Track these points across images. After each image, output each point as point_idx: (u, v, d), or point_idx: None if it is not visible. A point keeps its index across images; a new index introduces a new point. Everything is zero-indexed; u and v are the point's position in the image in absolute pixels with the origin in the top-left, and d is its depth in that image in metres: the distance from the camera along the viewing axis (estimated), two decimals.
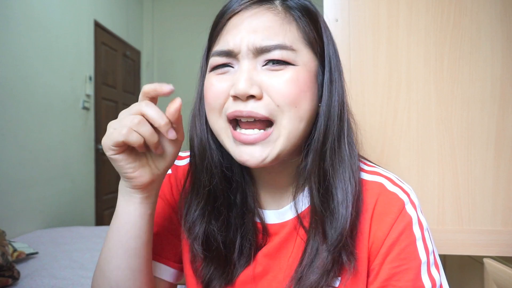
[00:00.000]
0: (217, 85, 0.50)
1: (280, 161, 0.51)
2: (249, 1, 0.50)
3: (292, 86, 0.48)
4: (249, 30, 0.48)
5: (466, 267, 1.21)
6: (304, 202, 0.55)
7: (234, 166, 0.56)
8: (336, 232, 0.49)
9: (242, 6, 0.50)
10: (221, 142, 0.52)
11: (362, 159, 0.59)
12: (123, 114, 0.47)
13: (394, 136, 0.89)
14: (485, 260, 0.86)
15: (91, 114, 3.21)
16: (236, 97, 0.48)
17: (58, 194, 2.72)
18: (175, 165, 0.64)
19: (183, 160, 0.64)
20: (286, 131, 0.48)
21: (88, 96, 3.13)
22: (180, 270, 0.62)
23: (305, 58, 0.50)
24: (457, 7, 0.87)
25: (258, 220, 0.56)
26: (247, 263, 0.55)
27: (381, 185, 0.54)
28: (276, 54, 0.48)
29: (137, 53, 4.24)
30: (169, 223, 0.61)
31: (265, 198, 0.58)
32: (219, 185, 0.54)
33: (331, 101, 0.52)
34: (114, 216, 0.52)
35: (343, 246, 0.49)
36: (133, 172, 0.48)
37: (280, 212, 0.56)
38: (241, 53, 0.49)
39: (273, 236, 0.56)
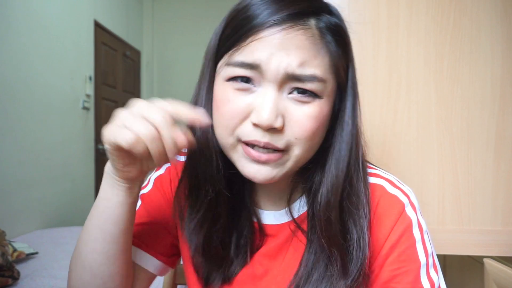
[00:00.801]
0: (236, 103, 0.46)
1: None
2: (281, 16, 0.44)
3: (314, 122, 0.46)
4: (283, 50, 0.44)
5: (466, 267, 1.21)
6: (301, 208, 0.55)
7: (208, 172, 0.52)
8: (356, 267, 0.48)
9: (273, 20, 0.44)
10: (226, 153, 0.50)
11: None
12: (138, 112, 0.42)
13: (394, 136, 0.89)
14: (485, 260, 0.86)
15: (91, 114, 3.21)
16: (256, 125, 0.45)
17: (58, 194, 2.72)
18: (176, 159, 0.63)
19: (184, 156, 0.64)
20: (297, 158, 0.47)
21: (88, 96, 3.13)
22: (166, 263, 0.61)
23: (329, 88, 0.48)
24: (457, 7, 0.87)
25: (254, 220, 0.56)
26: (244, 261, 0.55)
27: (381, 187, 0.54)
28: (307, 86, 0.45)
29: (137, 53, 4.24)
30: (162, 217, 0.60)
31: (263, 198, 0.57)
32: (221, 191, 0.52)
33: (353, 127, 0.50)
34: (96, 199, 0.51)
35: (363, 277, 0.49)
36: (123, 167, 0.46)
37: (279, 213, 0.56)
38: (269, 75, 0.44)
39: (271, 237, 0.56)
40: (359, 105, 0.52)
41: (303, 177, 0.53)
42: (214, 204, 0.53)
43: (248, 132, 0.46)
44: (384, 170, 0.58)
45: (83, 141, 3.09)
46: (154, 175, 0.63)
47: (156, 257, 0.60)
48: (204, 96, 0.52)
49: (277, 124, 0.44)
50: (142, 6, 4.41)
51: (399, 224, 0.51)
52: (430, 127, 0.88)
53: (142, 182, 0.52)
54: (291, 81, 0.45)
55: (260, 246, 0.56)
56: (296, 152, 0.47)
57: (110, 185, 0.49)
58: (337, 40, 0.48)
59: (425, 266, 0.50)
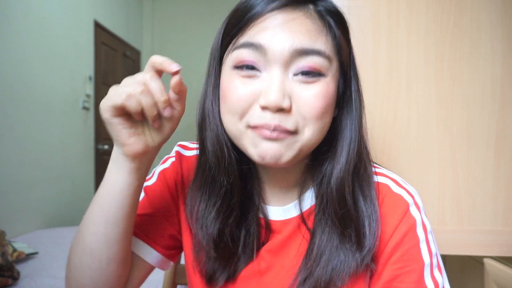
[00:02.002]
0: (242, 90, 0.47)
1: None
2: (283, 2, 0.47)
3: (322, 100, 0.47)
4: (286, 30, 0.46)
5: (466, 267, 1.21)
6: (308, 201, 0.55)
7: (221, 163, 0.53)
8: (372, 239, 0.49)
9: (273, 5, 0.47)
10: (235, 141, 0.51)
11: None
12: (127, 80, 0.46)
13: (394, 136, 0.89)
14: (485, 260, 0.86)
15: (91, 114, 3.21)
16: (265, 107, 0.46)
17: (58, 194, 2.72)
18: (181, 153, 0.63)
19: (190, 151, 0.63)
20: (306, 140, 0.48)
21: (88, 96, 3.13)
22: (166, 256, 0.61)
23: (334, 68, 0.49)
24: (457, 7, 0.87)
25: (261, 216, 0.57)
26: (250, 258, 0.55)
27: (386, 186, 0.54)
28: (313, 61, 0.46)
29: (137, 53, 4.24)
30: (165, 209, 0.61)
31: (269, 194, 0.58)
32: (237, 183, 0.53)
33: (360, 109, 0.52)
34: (102, 183, 0.51)
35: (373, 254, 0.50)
36: (127, 138, 0.47)
37: (284, 209, 0.57)
38: (274, 55, 0.45)
39: (276, 232, 0.56)
40: (361, 97, 0.54)
41: (313, 171, 0.54)
42: (229, 196, 0.53)
43: (258, 116, 0.46)
44: (389, 170, 0.58)
45: (83, 141, 3.09)
46: (158, 169, 0.64)
47: (156, 249, 0.60)
48: (211, 92, 0.53)
49: (285, 104, 0.45)
50: (142, 6, 4.41)
51: (403, 224, 0.52)
52: (430, 127, 0.88)
53: (149, 165, 0.52)
54: (297, 59, 0.46)
55: (265, 242, 0.56)
56: (307, 134, 0.47)
57: (117, 168, 0.50)
58: (336, 22, 0.50)
59: (429, 266, 0.50)
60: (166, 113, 0.46)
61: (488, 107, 0.87)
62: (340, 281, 0.49)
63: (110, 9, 3.60)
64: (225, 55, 0.50)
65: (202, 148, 0.54)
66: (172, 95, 0.47)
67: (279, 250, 0.56)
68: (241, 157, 0.53)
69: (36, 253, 1.85)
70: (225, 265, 0.55)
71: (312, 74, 0.46)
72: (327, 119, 0.49)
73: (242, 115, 0.48)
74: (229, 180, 0.52)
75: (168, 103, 0.46)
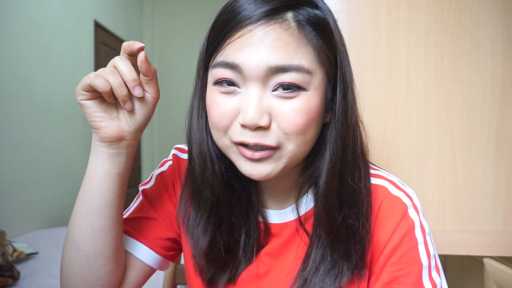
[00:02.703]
0: (223, 106, 0.46)
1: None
2: (256, 14, 0.45)
3: (302, 115, 0.45)
4: (261, 46, 0.44)
5: (466, 267, 1.21)
6: (307, 204, 0.55)
7: (207, 176, 0.53)
8: (359, 250, 0.49)
9: (248, 19, 0.45)
10: (225, 153, 0.51)
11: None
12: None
13: (394, 136, 0.89)
14: (485, 260, 0.86)
15: None
16: (243, 126, 0.45)
17: (58, 194, 2.72)
18: (178, 157, 0.63)
19: (187, 154, 0.64)
20: (292, 153, 0.47)
21: None
22: (165, 257, 0.61)
23: (317, 80, 0.47)
24: (457, 6, 0.87)
25: (260, 219, 0.57)
26: (250, 261, 0.55)
27: (384, 188, 0.54)
28: (292, 77, 0.44)
29: None
30: (165, 212, 0.61)
31: (267, 197, 0.58)
32: (221, 195, 0.52)
33: (346, 119, 0.50)
34: (84, 176, 0.52)
35: (363, 262, 0.50)
36: (100, 122, 0.48)
37: (283, 212, 0.57)
38: (250, 73, 0.44)
39: (275, 236, 0.56)
40: (356, 97, 0.51)
41: (307, 173, 0.53)
42: (215, 209, 0.53)
43: (238, 133, 0.46)
44: (387, 172, 0.58)
45: (83, 141, 3.09)
46: (156, 172, 0.64)
47: (154, 250, 0.59)
48: (196, 105, 0.53)
49: (263, 122, 0.44)
50: (142, 6, 4.41)
51: (401, 226, 0.51)
52: (430, 127, 0.88)
53: (129, 152, 0.52)
54: (272, 75, 0.44)
55: (265, 245, 0.56)
56: (290, 148, 0.46)
57: (95, 154, 0.50)
58: (318, 32, 0.47)
59: (427, 268, 0.50)
60: (137, 92, 0.47)
61: (488, 107, 0.87)
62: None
63: (110, 9, 3.60)
64: (208, 70, 0.50)
65: (190, 158, 0.54)
66: (142, 77, 0.48)
67: (278, 253, 0.56)
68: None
69: (36, 253, 1.85)
70: (225, 268, 0.55)
71: (292, 88, 0.45)
72: (312, 132, 0.48)
73: (225, 131, 0.47)
74: (213, 193, 0.52)
75: (137, 82, 0.47)
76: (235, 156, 0.48)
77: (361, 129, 0.54)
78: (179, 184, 0.61)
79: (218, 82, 0.47)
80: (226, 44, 0.46)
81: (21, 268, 1.63)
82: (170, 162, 0.63)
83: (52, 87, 2.65)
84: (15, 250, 1.73)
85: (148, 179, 0.64)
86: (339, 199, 0.50)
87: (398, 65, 0.89)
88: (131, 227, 0.59)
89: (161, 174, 0.63)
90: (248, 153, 0.46)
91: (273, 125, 0.45)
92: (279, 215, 0.57)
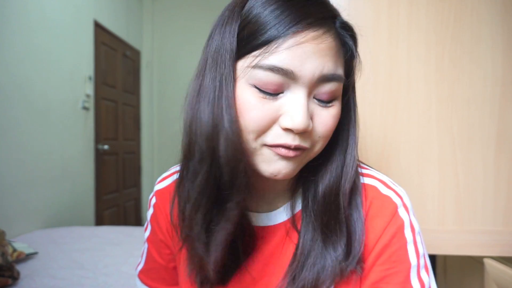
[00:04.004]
0: (262, 109, 0.44)
1: None
2: (309, 20, 0.44)
3: (335, 120, 0.48)
4: (318, 55, 0.44)
5: (466, 267, 1.21)
6: (297, 206, 0.55)
7: (237, 180, 0.47)
8: (358, 245, 0.50)
9: (300, 26, 0.43)
10: (242, 156, 0.46)
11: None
12: None
13: (394, 136, 0.89)
14: (485, 260, 0.86)
15: (91, 114, 3.21)
16: (289, 129, 0.45)
17: (58, 194, 2.72)
18: (159, 190, 0.62)
19: (167, 180, 0.62)
20: (313, 154, 0.50)
21: (88, 96, 3.13)
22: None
23: (341, 89, 0.49)
24: (457, 7, 0.87)
25: (248, 223, 0.55)
26: (237, 265, 0.55)
27: (374, 188, 0.55)
28: (334, 87, 0.46)
29: (137, 53, 4.24)
30: (168, 249, 0.62)
31: (256, 200, 0.57)
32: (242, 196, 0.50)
33: (353, 129, 0.53)
34: None
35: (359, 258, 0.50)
36: None
37: (273, 214, 0.56)
38: (303, 80, 0.44)
39: (263, 239, 0.56)
40: (357, 116, 0.55)
41: (303, 176, 0.54)
42: (236, 219, 0.49)
43: (278, 136, 0.45)
44: (377, 170, 0.58)
45: (83, 141, 3.09)
46: (148, 216, 0.64)
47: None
48: (217, 91, 0.46)
49: (310, 126, 0.45)
50: (142, 6, 4.41)
51: (391, 225, 0.52)
52: (430, 127, 0.88)
53: None
54: (321, 84, 0.45)
55: (253, 249, 0.56)
56: (316, 149, 0.49)
57: None
58: (352, 39, 0.49)
59: (415, 267, 0.50)
60: None
61: (488, 107, 0.87)
62: (326, 283, 0.50)
63: (110, 9, 3.60)
64: (241, 64, 0.46)
65: (212, 158, 0.47)
66: None
67: (269, 256, 0.55)
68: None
69: (36, 253, 1.84)
70: (219, 276, 0.53)
71: (331, 94, 0.47)
72: (330, 136, 0.50)
73: (259, 134, 0.45)
74: (240, 197, 0.48)
75: None
76: (261, 158, 0.47)
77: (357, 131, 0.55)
78: (168, 219, 0.60)
79: (261, 88, 0.44)
80: (275, 46, 0.43)
81: (21, 268, 1.63)
82: (154, 200, 0.63)
83: (51, 87, 2.65)
84: (15, 250, 1.73)
85: (146, 225, 0.65)
86: (334, 195, 0.51)
87: (398, 65, 0.89)
88: (149, 279, 0.63)
89: (152, 218, 0.63)
90: (285, 151, 0.46)
91: (312, 129, 0.47)
92: (268, 218, 0.56)
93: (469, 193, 0.87)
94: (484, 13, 0.87)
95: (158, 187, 0.63)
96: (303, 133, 0.46)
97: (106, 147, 3.35)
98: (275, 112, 0.45)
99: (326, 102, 0.47)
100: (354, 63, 0.51)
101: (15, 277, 1.52)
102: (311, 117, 0.46)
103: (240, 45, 0.46)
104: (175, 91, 4.26)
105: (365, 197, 0.53)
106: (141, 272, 0.65)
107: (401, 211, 0.53)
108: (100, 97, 3.35)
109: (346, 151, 0.52)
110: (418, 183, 0.88)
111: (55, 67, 2.69)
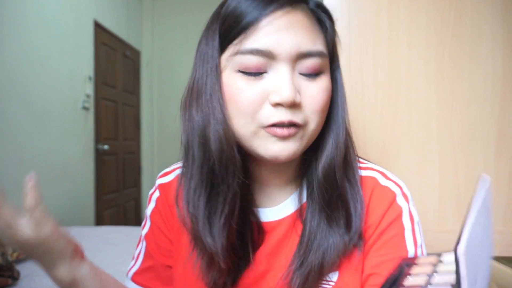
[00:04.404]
0: (250, 91, 0.47)
1: None
2: (281, 1, 0.47)
3: (325, 94, 0.49)
4: (291, 31, 0.46)
5: None
6: (303, 196, 0.56)
7: (229, 166, 0.50)
8: (357, 220, 0.51)
9: (272, 8, 0.47)
10: (243, 143, 0.50)
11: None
12: None
13: (394, 136, 0.89)
14: None
15: (91, 114, 3.21)
16: (278, 104, 0.46)
17: (58, 194, 2.72)
18: (163, 184, 0.62)
19: (170, 175, 0.62)
20: (311, 133, 0.50)
21: (88, 96, 3.13)
22: None
23: (327, 64, 0.51)
24: (457, 5, 0.87)
25: (253, 219, 0.56)
26: (247, 262, 0.55)
27: (374, 179, 0.56)
28: (316, 62, 0.48)
29: (137, 53, 4.24)
30: (168, 247, 0.61)
31: (261, 195, 0.57)
32: (236, 188, 0.51)
33: (343, 104, 0.54)
34: None
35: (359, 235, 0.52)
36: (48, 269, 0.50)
37: (277, 208, 0.56)
38: (283, 56, 0.46)
39: (269, 233, 0.56)
40: (344, 91, 0.56)
41: (305, 164, 0.55)
42: (233, 203, 0.51)
43: (270, 114, 0.47)
44: (377, 165, 0.59)
45: (83, 141, 3.09)
46: (148, 211, 0.63)
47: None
48: (204, 87, 0.50)
49: (298, 98, 0.47)
50: (142, 6, 4.41)
51: (389, 213, 0.53)
52: (430, 127, 0.88)
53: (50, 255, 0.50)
54: (301, 60, 0.47)
55: (260, 245, 0.56)
56: (312, 127, 0.49)
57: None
58: (328, 17, 0.52)
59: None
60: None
61: (488, 107, 0.87)
62: (331, 264, 0.50)
63: (110, 9, 3.60)
64: (225, 56, 0.49)
65: (204, 152, 0.51)
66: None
67: (276, 250, 0.55)
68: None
69: None
70: (227, 273, 0.53)
71: (315, 71, 0.48)
72: (326, 112, 0.51)
73: (253, 116, 0.47)
74: (234, 182, 0.50)
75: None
76: (260, 142, 0.49)
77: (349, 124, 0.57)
78: (170, 213, 0.60)
79: (244, 71, 0.47)
80: (252, 31, 0.47)
81: (21, 268, 1.63)
82: (157, 194, 0.62)
83: (51, 87, 2.65)
84: (15, 250, 1.73)
85: (144, 221, 0.64)
86: (332, 170, 0.52)
87: (398, 65, 0.89)
88: (145, 280, 0.61)
89: (152, 213, 0.62)
90: (280, 131, 0.47)
91: (302, 104, 0.48)
92: (274, 212, 0.56)
93: (469, 193, 0.87)
94: (485, 12, 0.87)
95: (161, 181, 0.63)
96: (293, 108, 0.47)
97: (106, 147, 3.35)
98: (263, 91, 0.47)
99: (310, 75, 0.48)
100: (335, 41, 0.53)
101: (15, 277, 1.52)
102: (299, 91, 0.47)
103: (222, 39, 0.49)
104: (175, 91, 4.25)
105: (364, 188, 0.54)
106: (136, 273, 0.62)
107: (400, 200, 0.54)
108: (100, 97, 3.35)
109: (337, 125, 0.53)
110: (418, 183, 0.88)
111: (55, 67, 2.69)
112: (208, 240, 0.51)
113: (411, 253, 0.51)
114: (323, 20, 0.51)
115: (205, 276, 0.54)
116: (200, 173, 0.51)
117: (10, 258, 1.55)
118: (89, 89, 3.15)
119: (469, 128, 0.87)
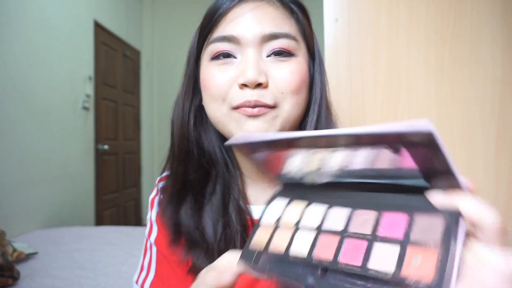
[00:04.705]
0: (220, 76, 0.51)
1: None
2: None
3: (295, 76, 0.51)
4: (255, 20, 0.50)
5: None
6: None
7: (218, 161, 0.57)
8: None
9: (239, 0, 0.51)
10: (221, 129, 0.53)
11: None
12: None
13: None
14: None
15: (91, 114, 3.21)
16: (244, 85, 0.49)
17: (58, 194, 2.72)
18: (163, 187, 0.62)
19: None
20: (286, 114, 0.51)
21: (88, 96, 3.13)
22: None
23: (303, 50, 0.53)
24: (457, 7, 0.87)
25: (247, 217, 0.55)
26: None
27: None
28: (283, 43, 0.50)
29: (137, 53, 4.24)
30: (178, 257, 0.58)
31: (253, 193, 0.58)
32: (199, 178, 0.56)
33: (322, 91, 0.56)
34: None
35: None
36: None
37: None
38: (247, 41, 0.50)
39: None
40: (326, 75, 0.58)
41: None
42: (219, 196, 0.56)
43: (238, 96, 0.50)
44: None
45: (83, 141, 3.09)
46: (152, 216, 0.62)
47: None
48: (185, 87, 0.58)
49: (262, 79, 0.48)
50: (142, 6, 4.41)
51: None
52: None
53: None
54: (266, 42, 0.50)
55: None
56: (286, 108, 0.51)
57: None
58: (298, 8, 0.54)
59: None
60: None
61: (488, 107, 0.87)
62: None
63: (110, 9, 3.60)
64: (201, 53, 0.55)
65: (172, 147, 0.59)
66: None
67: None
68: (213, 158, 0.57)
69: (36, 253, 1.84)
70: None
71: (283, 54, 0.51)
72: (303, 94, 0.53)
73: (223, 98, 0.51)
74: (192, 174, 0.56)
75: None
76: (234, 123, 0.51)
77: (329, 101, 0.59)
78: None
79: (215, 57, 0.51)
80: (220, 22, 0.51)
81: (21, 268, 1.63)
82: (158, 198, 0.62)
83: (51, 87, 2.65)
84: (15, 250, 1.73)
85: (149, 227, 0.62)
86: None
87: (398, 65, 0.89)
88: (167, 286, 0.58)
89: (159, 216, 0.61)
90: (249, 110, 0.49)
91: (271, 85, 0.50)
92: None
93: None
94: (485, 12, 0.87)
95: (162, 184, 0.63)
96: (260, 88, 0.49)
97: (106, 147, 3.35)
98: (232, 76, 0.50)
99: (279, 56, 0.50)
100: (310, 30, 0.56)
101: (15, 277, 1.52)
102: (266, 73, 0.50)
103: (201, 34, 0.54)
104: (175, 91, 4.22)
105: None
106: (153, 283, 0.58)
107: None
108: (100, 97, 3.35)
109: (320, 106, 0.55)
110: None
111: (55, 67, 2.69)
112: (198, 235, 0.53)
113: None
114: (293, 11, 0.53)
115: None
116: (180, 163, 0.57)
117: (10, 258, 1.55)
118: (89, 89, 3.15)
119: (469, 128, 0.87)
